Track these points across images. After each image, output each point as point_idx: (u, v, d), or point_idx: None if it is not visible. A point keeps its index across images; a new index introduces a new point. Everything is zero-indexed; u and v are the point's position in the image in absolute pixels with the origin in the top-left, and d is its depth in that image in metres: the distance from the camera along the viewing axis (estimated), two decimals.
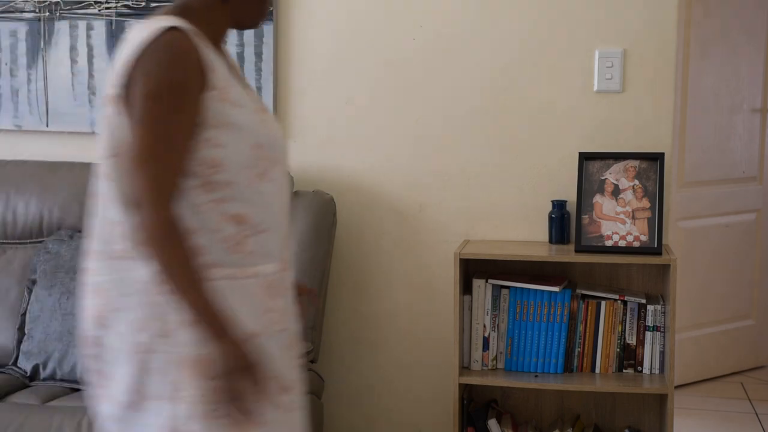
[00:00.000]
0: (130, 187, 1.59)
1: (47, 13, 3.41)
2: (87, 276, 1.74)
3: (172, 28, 1.60)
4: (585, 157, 3.01)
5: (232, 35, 3.27)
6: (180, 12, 1.69)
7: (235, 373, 1.58)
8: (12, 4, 3.43)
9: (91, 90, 3.40)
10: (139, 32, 1.63)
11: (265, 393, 1.62)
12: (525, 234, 3.16)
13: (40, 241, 3.14)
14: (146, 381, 1.67)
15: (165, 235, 1.57)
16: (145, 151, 1.56)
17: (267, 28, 3.26)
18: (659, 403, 3.03)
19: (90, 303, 1.73)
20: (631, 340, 2.96)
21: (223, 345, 1.59)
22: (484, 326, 2.98)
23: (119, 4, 3.36)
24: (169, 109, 1.57)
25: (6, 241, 3.21)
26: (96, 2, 3.37)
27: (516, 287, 2.98)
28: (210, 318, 1.59)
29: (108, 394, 1.74)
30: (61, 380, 2.87)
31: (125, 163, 1.60)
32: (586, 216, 2.98)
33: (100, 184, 1.69)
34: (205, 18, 1.71)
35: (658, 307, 2.94)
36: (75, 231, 3.11)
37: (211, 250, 1.65)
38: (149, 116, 1.56)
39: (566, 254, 2.94)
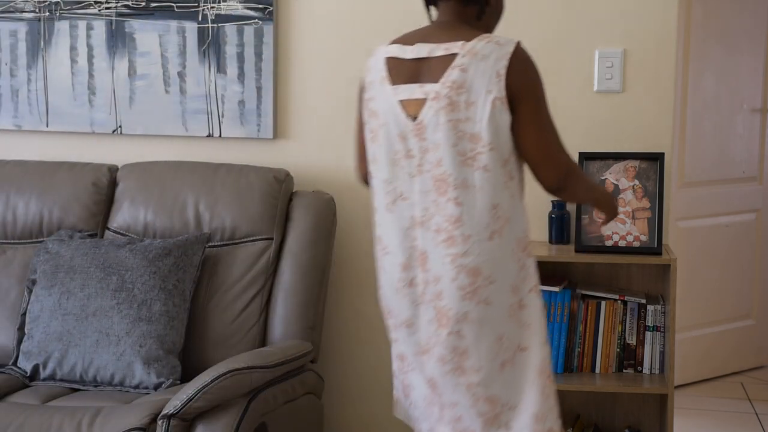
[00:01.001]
0: (559, 158, 2.08)
1: (47, 13, 3.41)
2: (453, 261, 2.04)
3: (519, 42, 2.06)
4: (585, 157, 3.01)
5: (232, 35, 3.27)
6: (471, 27, 2.11)
7: (614, 205, 2.29)
8: (12, 4, 3.43)
9: (91, 90, 3.40)
10: (493, 46, 2.02)
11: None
12: None
13: (40, 241, 3.14)
14: (521, 336, 2.06)
15: (584, 175, 2.19)
16: (556, 134, 2.08)
17: (267, 28, 3.26)
18: (659, 403, 3.03)
19: (458, 284, 2.03)
20: (631, 340, 2.96)
21: (611, 198, 2.29)
22: None
23: (119, 4, 3.36)
24: (547, 103, 2.09)
25: (6, 241, 3.21)
26: (96, 2, 3.37)
27: None
28: (606, 193, 2.30)
29: (475, 359, 2.05)
30: (61, 380, 2.87)
31: (547, 145, 2.07)
32: (586, 216, 2.98)
33: (475, 176, 2.03)
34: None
35: (658, 307, 2.94)
36: (75, 231, 3.12)
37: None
38: (547, 110, 2.07)
39: (566, 254, 2.94)
